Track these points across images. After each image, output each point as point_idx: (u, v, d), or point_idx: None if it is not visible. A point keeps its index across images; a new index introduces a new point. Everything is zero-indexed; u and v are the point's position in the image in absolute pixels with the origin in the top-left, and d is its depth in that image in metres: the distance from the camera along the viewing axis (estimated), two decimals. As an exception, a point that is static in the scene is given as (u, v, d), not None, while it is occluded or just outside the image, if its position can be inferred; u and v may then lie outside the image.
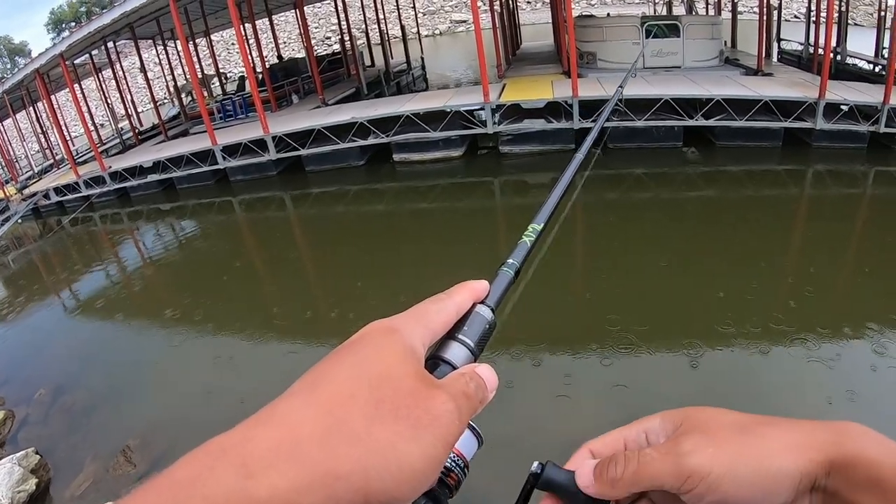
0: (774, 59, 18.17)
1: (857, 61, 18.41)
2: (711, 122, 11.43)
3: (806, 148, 11.89)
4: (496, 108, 12.81)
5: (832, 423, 0.52)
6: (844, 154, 12.05)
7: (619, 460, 0.53)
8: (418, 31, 33.03)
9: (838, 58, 18.03)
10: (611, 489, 0.53)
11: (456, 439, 0.46)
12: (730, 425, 0.53)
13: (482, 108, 12.91)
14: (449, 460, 0.57)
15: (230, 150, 14.74)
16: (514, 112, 12.94)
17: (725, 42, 17.02)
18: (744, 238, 8.56)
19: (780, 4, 21.89)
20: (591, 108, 12.02)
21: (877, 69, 16.54)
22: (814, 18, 17.04)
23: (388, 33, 24.41)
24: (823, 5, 15.51)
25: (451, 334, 0.57)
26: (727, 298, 6.79)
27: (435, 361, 0.54)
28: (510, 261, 0.66)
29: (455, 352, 0.57)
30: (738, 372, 5.66)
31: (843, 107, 12.23)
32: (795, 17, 33.47)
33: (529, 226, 0.69)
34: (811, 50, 16.75)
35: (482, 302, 0.61)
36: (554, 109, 12.55)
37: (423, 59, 28.11)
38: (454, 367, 0.54)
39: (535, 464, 0.60)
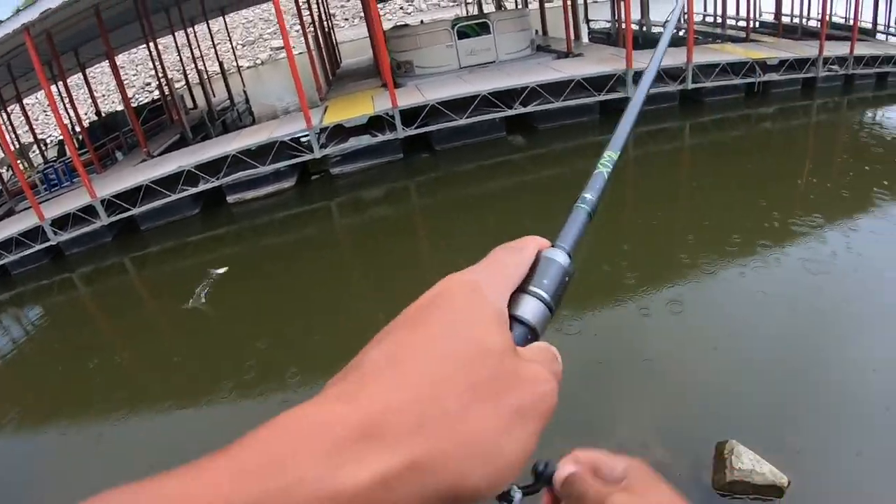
0: (586, 39, 18.94)
1: (661, 29, 19.50)
2: (530, 109, 11.84)
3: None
4: (320, 132, 12.51)
5: None
6: (660, 114, 13.04)
7: (576, 480, 0.53)
8: (237, 64, 32.18)
9: (644, 29, 19.10)
10: (565, 497, 0.54)
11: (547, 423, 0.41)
12: None
13: (307, 134, 12.57)
14: None
15: (60, 223, 13.57)
16: (340, 132, 12.73)
17: (537, 31, 17.59)
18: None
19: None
20: (412, 116, 11.96)
21: (681, 33, 17.56)
22: (616, -4, 18.00)
23: (207, 71, 23.59)
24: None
25: (523, 287, 0.49)
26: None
27: (510, 322, 0.45)
28: (586, 195, 0.59)
29: (532, 309, 0.48)
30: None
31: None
32: None
33: (605, 153, 0.61)
34: (617, 26, 17.61)
35: (553, 245, 0.53)
36: (378, 123, 12.42)
37: (245, 92, 27.38)
38: (530, 328, 0.46)
39: (540, 462, 0.56)
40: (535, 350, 0.43)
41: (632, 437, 4.93)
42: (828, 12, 22.83)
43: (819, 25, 18.17)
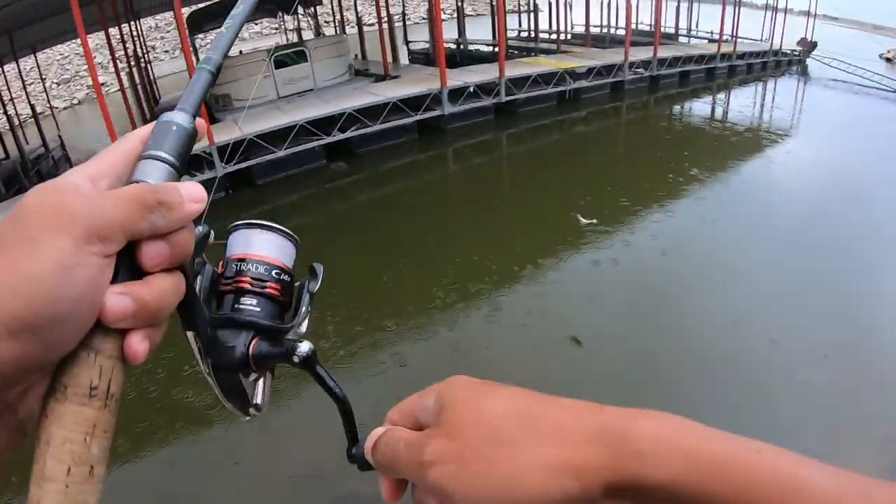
0: (406, 60, 19.32)
1: (479, 46, 20.36)
2: (349, 134, 11.98)
3: (441, 133, 12.99)
4: (135, 177, 12.00)
5: (620, 424, 0.44)
6: (477, 127, 13.50)
7: (381, 443, 0.51)
8: (51, 105, 30.08)
9: (461, 47, 19.80)
10: (380, 470, 0.52)
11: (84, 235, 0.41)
12: (485, 431, 0.46)
13: (118, 181, 12.01)
14: (258, 266, 0.61)
15: None
16: (158, 176, 12.25)
17: (356, 56, 17.75)
18: (407, 227, 9.58)
19: (403, 11, 23.40)
20: (233, 151, 11.72)
21: (494, 50, 18.36)
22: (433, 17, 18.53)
23: (18, 115, 22.02)
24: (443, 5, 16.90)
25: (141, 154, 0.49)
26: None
27: None
28: (211, 55, 0.56)
29: (146, 170, 0.48)
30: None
31: (471, 89, 13.52)
32: (423, 18, 36.05)
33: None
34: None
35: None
36: (196, 161, 12.05)
37: (60, 137, 25.72)
38: None
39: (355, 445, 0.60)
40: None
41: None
42: (633, 21, 24.69)
43: (625, 33, 19.51)
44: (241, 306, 0.60)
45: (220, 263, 0.62)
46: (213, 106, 13.99)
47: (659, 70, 20.70)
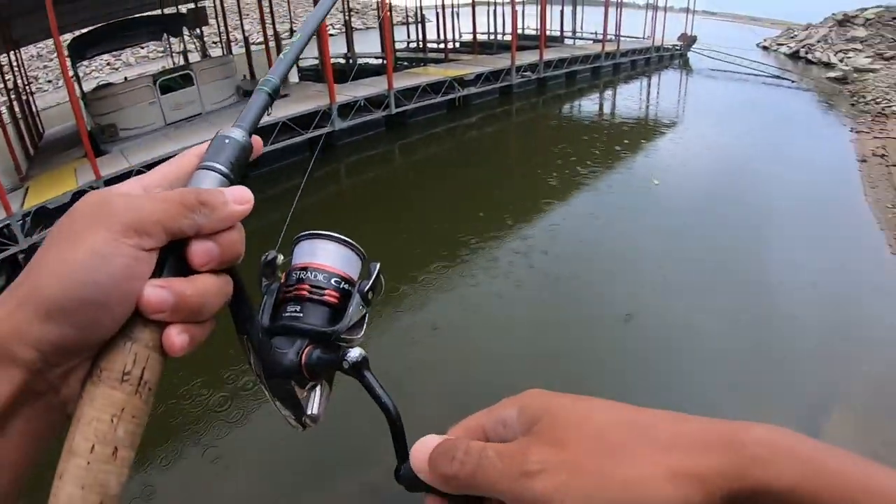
0: (296, 78, 19.29)
1: (368, 60, 20.57)
2: None
3: (333, 149, 13.13)
4: (24, 218, 11.50)
5: (733, 431, 0.42)
6: (369, 141, 13.69)
7: (458, 452, 0.45)
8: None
9: (350, 62, 19.97)
10: (444, 484, 0.46)
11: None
12: (594, 438, 0.43)
13: (7, 223, 11.50)
14: (317, 274, 0.64)
15: None
16: (48, 215, 11.75)
17: (245, 76, 17.59)
18: None
19: (290, 28, 23.31)
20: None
21: (384, 62, 18.60)
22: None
23: None
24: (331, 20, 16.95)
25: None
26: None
27: None
28: (269, 78, 0.63)
29: (198, 178, 0.53)
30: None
31: (361, 103, 13.72)
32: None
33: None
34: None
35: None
36: (83, 197, 11.70)
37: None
38: None
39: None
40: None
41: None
42: (519, 26, 25.37)
43: (511, 39, 20.11)
44: (298, 314, 0.62)
45: (284, 274, 0.66)
46: (99, 137, 13.60)
47: (546, 72, 21.50)
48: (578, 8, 32.19)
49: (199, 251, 0.49)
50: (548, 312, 7.40)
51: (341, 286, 0.64)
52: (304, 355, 0.60)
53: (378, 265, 0.69)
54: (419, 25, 25.09)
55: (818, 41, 44.06)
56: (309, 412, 0.63)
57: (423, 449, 0.48)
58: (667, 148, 15.37)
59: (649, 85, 28.10)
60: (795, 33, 52.07)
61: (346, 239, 0.67)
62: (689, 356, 6.65)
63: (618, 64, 27.91)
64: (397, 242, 9.35)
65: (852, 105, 24.09)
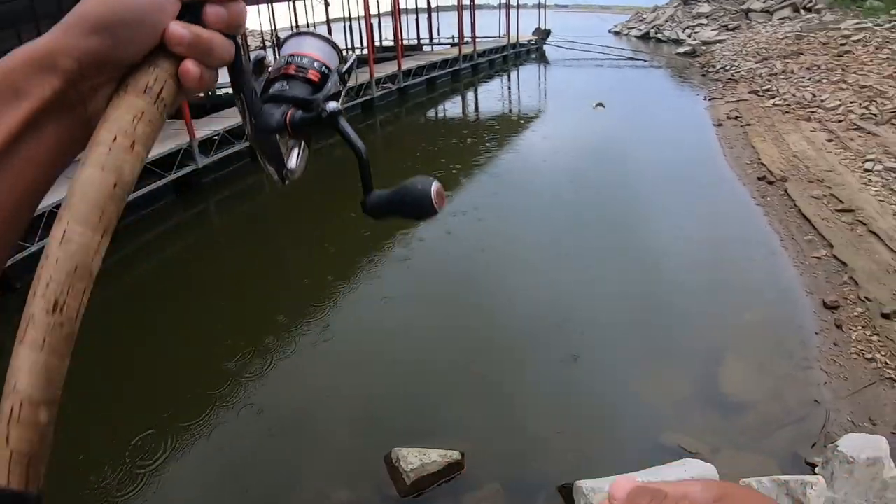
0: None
1: (228, 90, 20.62)
2: None
3: (199, 188, 13.04)
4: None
5: None
6: (237, 174, 13.82)
7: (658, 494, 0.47)
8: None
9: (210, 94, 20.02)
10: None
11: None
12: None
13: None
14: (303, 59, 0.76)
15: None
16: None
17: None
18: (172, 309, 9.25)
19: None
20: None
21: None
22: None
23: None
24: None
25: None
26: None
27: None
28: None
29: None
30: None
31: (221, 136, 14.18)
32: None
33: None
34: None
35: None
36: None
37: None
38: None
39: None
40: None
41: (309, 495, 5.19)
42: (376, 39, 26.05)
43: (367, 52, 20.82)
44: (285, 87, 0.74)
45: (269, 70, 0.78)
46: None
47: (406, 81, 22.28)
48: (434, 14, 33.30)
49: (212, 12, 0.59)
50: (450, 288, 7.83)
51: (322, 69, 0.75)
52: (288, 115, 0.72)
53: (355, 56, 0.87)
54: (275, 49, 24.99)
55: (666, 21, 47.13)
56: (289, 166, 0.75)
57: (624, 484, 0.49)
58: (531, 138, 16.64)
59: (509, 81, 29.36)
60: (644, 16, 55.44)
61: (327, 37, 0.78)
62: (588, 321, 7.34)
63: (476, 65, 29.01)
64: (279, 281, 9.52)
65: (703, 75, 26.30)
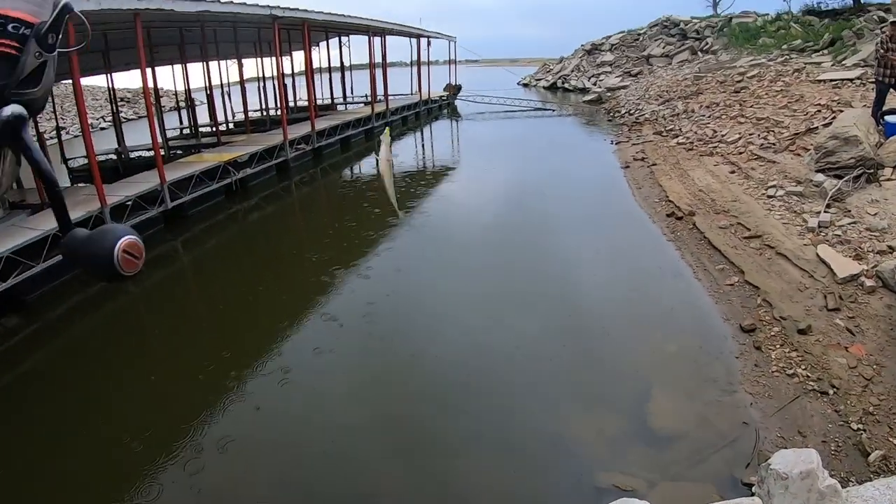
0: (67, 181, 18.65)
1: (142, 152, 20.37)
2: (10, 282, 11.08)
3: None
4: None
5: None
6: (147, 241, 13.04)
7: None
8: None
9: (123, 157, 19.69)
10: None
11: None
12: None
13: None
14: None
15: None
16: None
17: (13, 185, 16.66)
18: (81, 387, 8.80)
19: (56, 125, 22.43)
20: None
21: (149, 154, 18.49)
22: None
23: None
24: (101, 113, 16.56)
25: None
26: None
27: None
28: None
29: None
30: None
31: (131, 202, 13.69)
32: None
33: None
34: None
35: None
36: None
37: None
38: None
39: None
40: None
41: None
42: (291, 99, 26.15)
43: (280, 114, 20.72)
44: None
45: None
46: None
47: (319, 141, 22.32)
48: (347, 73, 33.66)
49: None
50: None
51: (20, 32, 0.56)
52: None
53: (64, 1, 0.60)
54: (189, 110, 24.90)
55: (572, 70, 49.31)
56: None
57: None
58: (448, 189, 16.93)
59: (422, 137, 29.92)
60: (551, 67, 57.98)
61: None
62: (512, 367, 7.23)
63: (389, 122, 29.42)
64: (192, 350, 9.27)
65: (610, 120, 27.52)
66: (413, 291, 10.13)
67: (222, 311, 10.61)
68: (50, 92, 0.64)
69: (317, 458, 5.95)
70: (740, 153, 14.46)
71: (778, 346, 6.83)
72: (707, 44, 35.83)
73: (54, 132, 22.40)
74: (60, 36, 0.58)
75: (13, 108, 0.55)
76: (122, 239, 0.56)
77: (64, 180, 18.86)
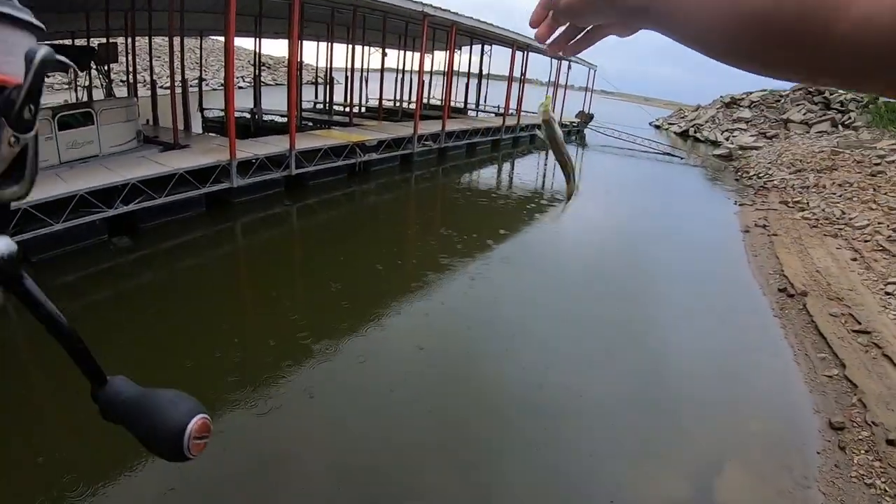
0: (200, 129, 19.26)
1: (274, 117, 20.85)
2: (132, 207, 11.69)
3: (229, 206, 13.01)
4: None
5: None
6: (267, 200, 13.78)
7: None
8: None
9: (256, 117, 20.22)
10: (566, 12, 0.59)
11: None
12: None
13: None
14: None
15: None
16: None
17: (147, 121, 17.48)
18: (192, 310, 9.27)
19: (200, 76, 23.30)
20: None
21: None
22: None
23: None
24: (241, 73, 17.10)
25: None
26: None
27: None
28: None
29: None
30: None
31: (260, 161, 14.30)
32: (221, 85, 35.37)
33: None
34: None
35: None
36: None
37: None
38: None
39: None
40: None
41: None
42: (424, 96, 26.33)
43: (415, 108, 20.85)
44: None
45: None
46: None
47: (447, 142, 22.41)
48: (483, 82, 33.82)
49: None
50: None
51: None
52: None
53: (42, 53, 0.47)
54: (327, 87, 25.51)
55: (706, 121, 47.76)
56: None
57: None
58: (564, 223, 16.44)
59: (546, 159, 29.55)
60: (686, 114, 56.37)
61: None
62: (595, 411, 7.12)
63: (517, 137, 29.32)
64: (293, 308, 9.45)
65: (737, 180, 26.39)
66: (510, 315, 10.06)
67: (320, 274, 10.96)
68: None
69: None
70: (866, 241, 13.77)
71: (863, 452, 6.49)
72: (850, 118, 33.84)
73: (196, 81, 23.26)
74: (40, 105, 0.44)
75: (7, 244, 0.41)
76: (195, 420, 0.47)
77: (197, 128, 19.63)
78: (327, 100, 25.53)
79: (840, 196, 18.21)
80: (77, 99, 20.17)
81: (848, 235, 14.44)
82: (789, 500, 5.77)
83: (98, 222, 11.78)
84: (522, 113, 30.67)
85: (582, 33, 0.65)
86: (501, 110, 29.27)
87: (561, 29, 0.64)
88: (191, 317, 8.80)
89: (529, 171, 25.08)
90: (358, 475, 5.54)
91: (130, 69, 21.14)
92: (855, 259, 12.74)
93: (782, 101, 43.31)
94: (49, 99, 30.72)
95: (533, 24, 0.64)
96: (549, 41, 0.65)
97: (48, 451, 5.48)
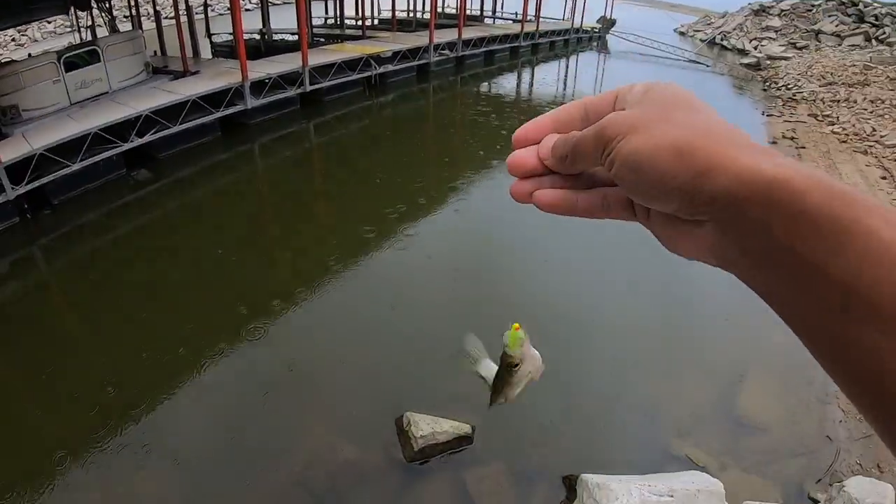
0: (209, 55, 18.85)
1: (284, 36, 20.29)
2: (148, 139, 11.57)
3: (245, 128, 12.80)
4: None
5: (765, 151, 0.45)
6: (283, 119, 13.57)
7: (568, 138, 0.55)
8: None
9: (266, 38, 19.66)
10: (559, 165, 0.56)
11: None
12: (655, 110, 0.52)
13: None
14: None
15: None
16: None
17: (155, 52, 17.10)
18: (217, 234, 9.52)
19: (205, 2, 22.69)
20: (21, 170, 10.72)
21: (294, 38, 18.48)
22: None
23: None
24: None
25: None
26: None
27: None
28: None
29: None
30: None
31: (273, 80, 13.92)
32: (228, 9, 34.75)
33: None
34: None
35: None
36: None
37: None
38: None
39: None
40: None
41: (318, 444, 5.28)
42: (439, 4, 25.44)
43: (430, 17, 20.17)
44: None
45: None
46: (1, 120, 12.94)
47: (464, 51, 21.74)
48: (500, -13, 32.22)
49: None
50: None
51: None
52: None
53: None
54: (337, 1, 24.81)
55: (734, 29, 45.67)
56: None
57: (546, 143, 0.58)
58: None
59: (567, 66, 28.65)
60: (712, 20, 53.94)
61: None
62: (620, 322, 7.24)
63: (536, 44, 28.38)
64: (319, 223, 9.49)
65: (764, 90, 25.42)
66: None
67: (341, 185, 10.93)
68: None
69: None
70: (896, 160, 13.28)
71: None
72: (884, 33, 32.21)
73: (201, 7, 22.67)
74: None
75: None
76: None
77: (206, 53, 19.21)
78: (338, 14, 24.77)
79: (871, 112, 17.68)
80: (82, 40, 19.72)
81: (878, 153, 14.09)
82: (809, 413, 5.82)
83: (115, 157, 11.68)
84: (541, 19, 29.54)
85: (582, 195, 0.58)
86: (519, 17, 28.24)
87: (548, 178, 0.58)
88: (215, 236, 8.76)
89: (550, 78, 24.26)
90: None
91: (132, 2, 20.60)
92: (885, 178, 12.50)
93: (814, 10, 41.15)
94: (54, 43, 30.53)
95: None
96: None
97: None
